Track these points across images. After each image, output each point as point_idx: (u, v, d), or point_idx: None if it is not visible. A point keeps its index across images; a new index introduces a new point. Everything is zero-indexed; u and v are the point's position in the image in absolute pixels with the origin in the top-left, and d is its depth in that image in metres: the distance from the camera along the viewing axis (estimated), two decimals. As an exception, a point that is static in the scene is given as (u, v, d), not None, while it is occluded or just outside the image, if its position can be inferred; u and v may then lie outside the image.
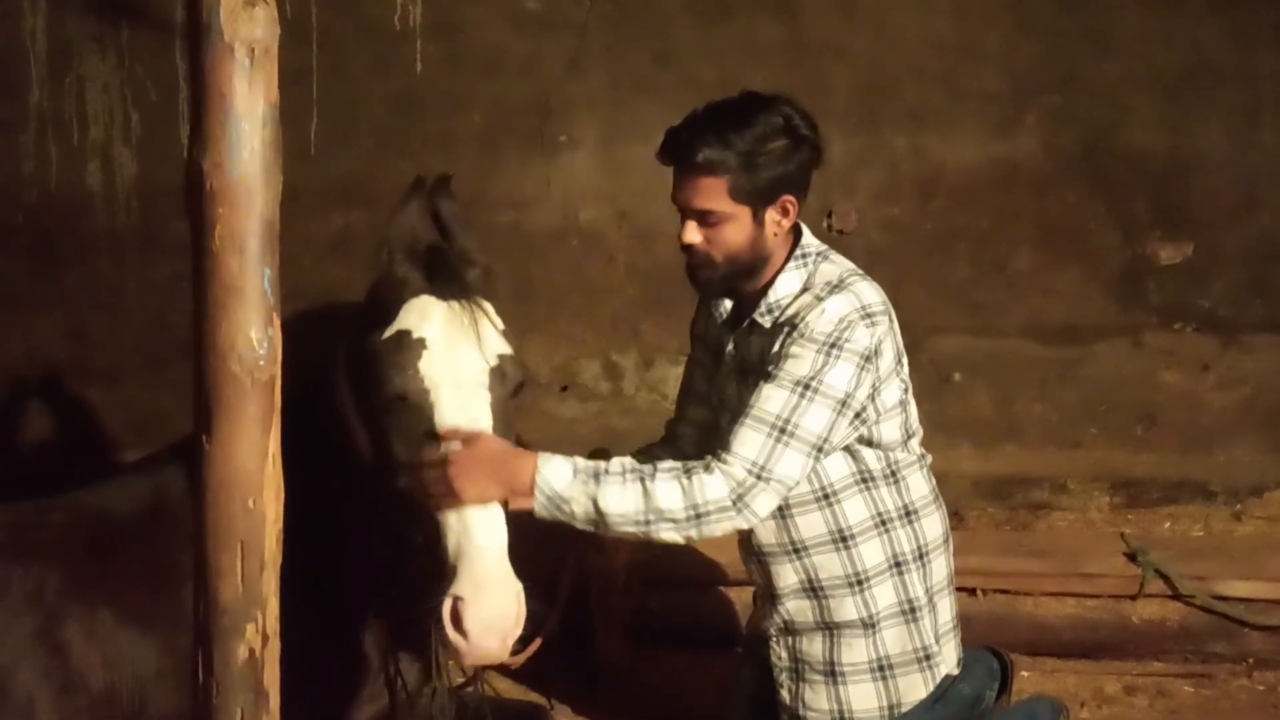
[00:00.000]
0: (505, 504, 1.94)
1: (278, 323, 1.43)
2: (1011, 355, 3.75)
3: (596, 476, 1.98)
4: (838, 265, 2.21)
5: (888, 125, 3.70)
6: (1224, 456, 3.73)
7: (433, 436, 1.89)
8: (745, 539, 2.32)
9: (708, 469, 2.01)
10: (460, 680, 2.27)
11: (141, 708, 2.02)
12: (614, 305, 3.82)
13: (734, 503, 2.00)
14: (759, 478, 2.01)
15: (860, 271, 2.21)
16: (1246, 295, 3.71)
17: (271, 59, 1.38)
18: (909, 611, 2.22)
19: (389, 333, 1.94)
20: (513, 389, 1.99)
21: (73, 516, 2.19)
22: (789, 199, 2.14)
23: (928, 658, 2.23)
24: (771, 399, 2.04)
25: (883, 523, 2.22)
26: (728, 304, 2.32)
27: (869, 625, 2.21)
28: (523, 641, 1.96)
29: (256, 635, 1.41)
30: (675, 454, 2.34)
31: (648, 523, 1.99)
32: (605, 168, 3.77)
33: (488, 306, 2.01)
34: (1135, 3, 3.61)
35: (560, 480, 1.97)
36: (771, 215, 2.14)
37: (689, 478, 2.00)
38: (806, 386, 2.04)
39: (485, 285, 2.06)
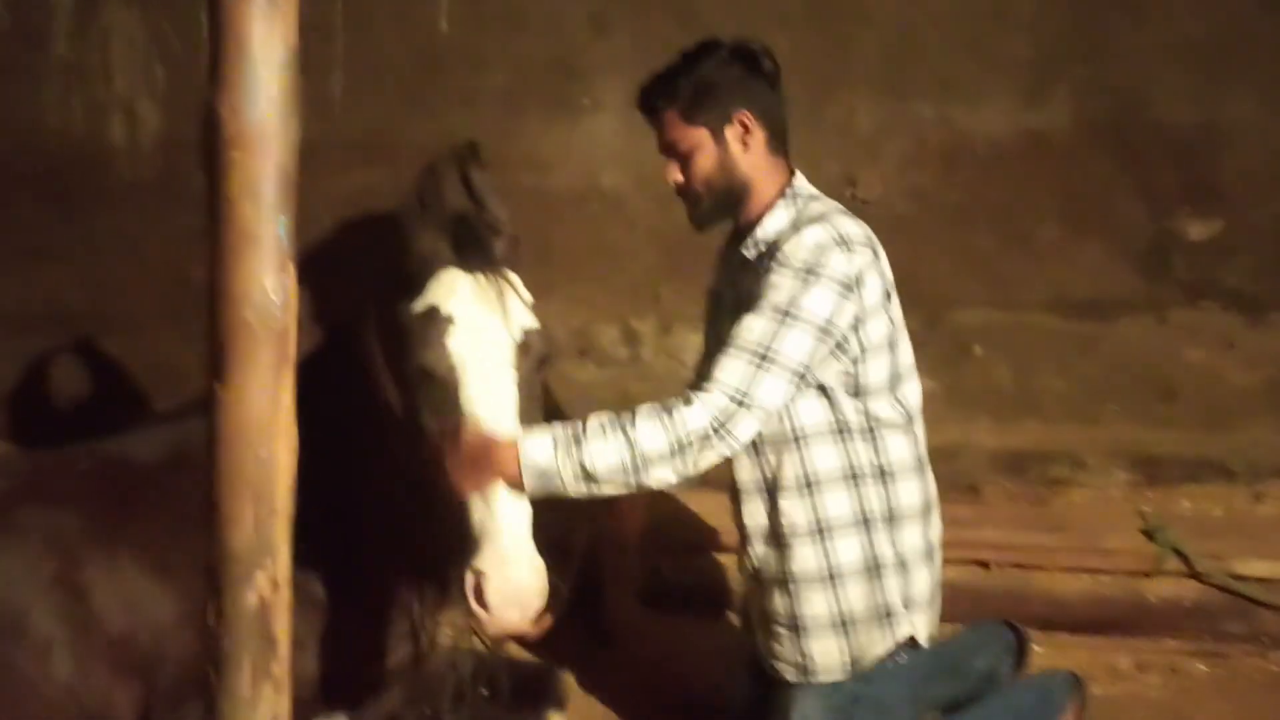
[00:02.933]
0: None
1: (293, 271, 1.42)
2: (1033, 329, 3.71)
3: (577, 439, 1.99)
4: (825, 205, 2.26)
5: (914, 93, 3.65)
6: (1245, 436, 3.68)
7: (459, 412, 1.92)
8: (732, 480, 2.34)
9: (687, 401, 2.04)
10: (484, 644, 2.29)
11: (159, 652, 2.04)
12: (633, 270, 3.80)
13: (715, 430, 2.02)
14: (740, 403, 2.04)
15: (847, 211, 2.25)
16: (1274, 273, 3.65)
17: (291, 2, 1.36)
18: (873, 569, 2.22)
19: (417, 307, 1.97)
20: (538, 363, 2.01)
21: (94, 464, 2.21)
22: (743, 115, 2.23)
23: (888, 615, 2.22)
24: (752, 328, 2.08)
25: (853, 476, 2.21)
26: (731, 248, 2.37)
27: (830, 578, 2.21)
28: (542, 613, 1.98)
29: (267, 583, 1.42)
30: None
31: (636, 470, 2.00)
32: (627, 131, 3.73)
33: (514, 279, 2.04)
34: (1167, -29, 3.55)
35: (543, 455, 1.96)
36: (731, 133, 2.23)
37: (669, 413, 2.02)
38: (785, 313, 2.07)
39: (512, 255, 2.08)
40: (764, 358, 2.05)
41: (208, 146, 1.36)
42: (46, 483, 2.21)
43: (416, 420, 1.97)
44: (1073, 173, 3.65)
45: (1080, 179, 3.65)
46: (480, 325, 1.94)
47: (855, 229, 2.18)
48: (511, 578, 1.84)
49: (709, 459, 2.05)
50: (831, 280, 2.09)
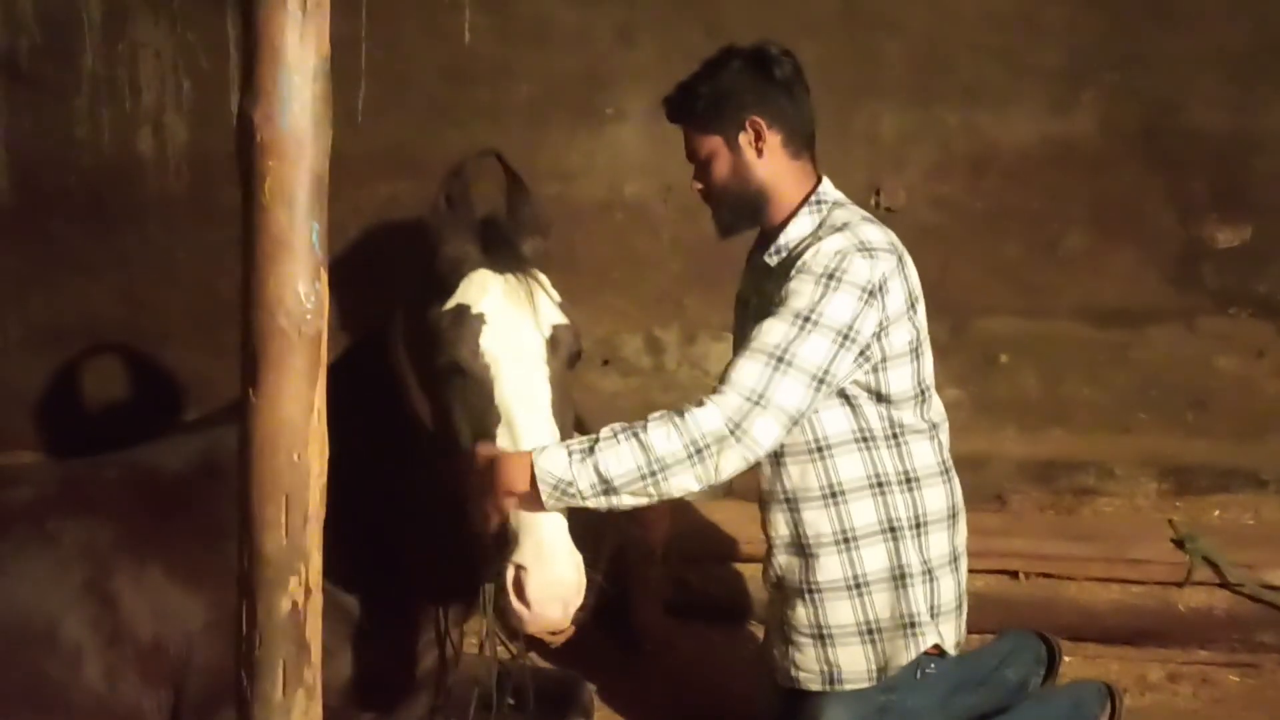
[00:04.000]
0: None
1: (325, 277, 1.43)
2: (1061, 337, 3.69)
3: (591, 449, 1.95)
4: (850, 212, 2.25)
5: (940, 101, 3.64)
6: (1277, 444, 3.65)
7: (493, 409, 1.93)
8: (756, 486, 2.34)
9: (700, 404, 2.01)
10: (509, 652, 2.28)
11: (188, 660, 2.05)
12: (658, 279, 3.80)
13: (731, 431, 1.97)
14: (756, 403, 1.99)
15: (872, 218, 2.24)
16: (1305, 281, 3.63)
17: (323, 12, 1.38)
18: (899, 578, 2.20)
19: (448, 306, 1.98)
20: (569, 359, 2.03)
21: (125, 473, 2.23)
22: (754, 119, 2.23)
23: (912, 625, 2.20)
24: (771, 331, 2.07)
25: (879, 484, 2.20)
26: (758, 254, 2.38)
27: (856, 586, 2.20)
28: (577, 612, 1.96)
29: (299, 588, 1.42)
30: None
31: (654, 475, 1.95)
32: (652, 140, 3.74)
33: (542, 278, 2.06)
34: (1201, -22, 3.53)
35: (558, 465, 1.92)
36: (744, 139, 2.24)
37: (681, 417, 1.98)
38: (805, 319, 2.06)
39: (540, 255, 2.12)
40: (780, 360, 2.03)
41: (241, 154, 1.37)
42: (77, 492, 2.23)
43: (448, 423, 1.98)
44: (1102, 180, 3.63)
45: (1109, 186, 3.63)
46: (512, 322, 1.96)
47: (879, 235, 2.17)
48: (554, 571, 1.84)
49: (730, 463, 1.98)
50: (853, 286, 2.08)
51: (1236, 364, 3.65)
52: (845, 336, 2.07)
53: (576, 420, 2.17)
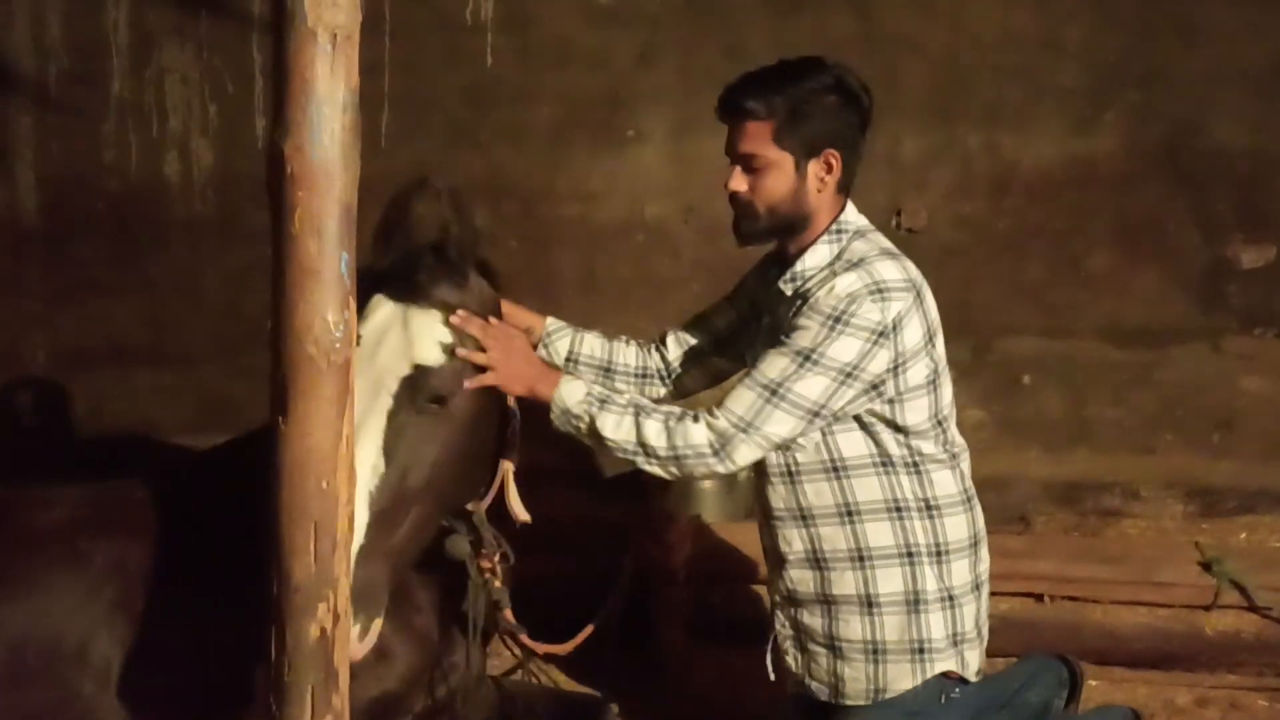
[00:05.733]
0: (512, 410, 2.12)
1: (354, 306, 1.44)
2: (1085, 357, 3.67)
3: (602, 402, 2.12)
4: (869, 244, 2.20)
5: (962, 121, 3.64)
6: (1305, 466, 3.63)
7: None
8: (759, 504, 2.33)
9: (695, 419, 2.11)
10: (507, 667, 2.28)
11: (215, 683, 2.06)
12: (679, 300, 3.80)
13: (714, 451, 2.09)
14: (743, 431, 2.08)
15: (893, 250, 2.19)
16: (1331, 301, 3.61)
17: (353, 44, 1.39)
18: (914, 603, 2.18)
19: None
20: (431, 399, 1.94)
21: (153, 494, 2.24)
22: (832, 153, 2.16)
23: (920, 651, 2.18)
24: (772, 365, 2.10)
25: (897, 509, 2.18)
26: (774, 271, 2.32)
27: (868, 604, 2.18)
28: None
29: (328, 614, 1.43)
30: (639, 357, 2.52)
31: (634, 453, 2.12)
32: (673, 162, 3.76)
33: (437, 315, 1.98)
34: (1223, -2, 3.53)
35: (573, 397, 2.11)
36: (814, 168, 2.17)
37: (677, 422, 2.10)
38: (806, 357, 2.07)
39: (455, 291, 2.02)
40: (775, 394, 2.07)
41: (272, 185, 1.39)
42: (106, 512, 2.24)
43: None
44: (1124, 200, 3.62)
45: (1132, 206, 3.62)
46: (376, 350, 1.92)
47: (894, 272, 2.13)
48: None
49: (700, 471, 2.13)
50: (859, 329, 2.07)
51: (1262, 384, 3.63)
52: (847, 375, 2.07)
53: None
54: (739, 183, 2.19)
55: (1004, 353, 3.67)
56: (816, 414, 2.09)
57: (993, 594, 3.03)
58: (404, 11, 3.74)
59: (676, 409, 2.14)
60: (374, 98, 3.69)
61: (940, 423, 2.21)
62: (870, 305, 2.07)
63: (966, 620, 2.22)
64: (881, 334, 2.08)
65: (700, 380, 2.55)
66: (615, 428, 2.10)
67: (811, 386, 2.06)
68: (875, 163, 3.61)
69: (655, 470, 2.14)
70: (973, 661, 2.24)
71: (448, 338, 1.98)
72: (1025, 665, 2.49)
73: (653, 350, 2.54)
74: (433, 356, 1.96)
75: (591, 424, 2.10)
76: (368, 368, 1.89)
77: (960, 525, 2.22)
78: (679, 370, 2.51)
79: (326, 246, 1.38)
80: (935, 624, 2.18)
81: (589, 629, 2.19)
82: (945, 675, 2.19)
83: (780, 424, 2.07)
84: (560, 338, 2.46)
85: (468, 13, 3.76)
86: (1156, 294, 3.64)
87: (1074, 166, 3.61)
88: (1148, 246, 3.63)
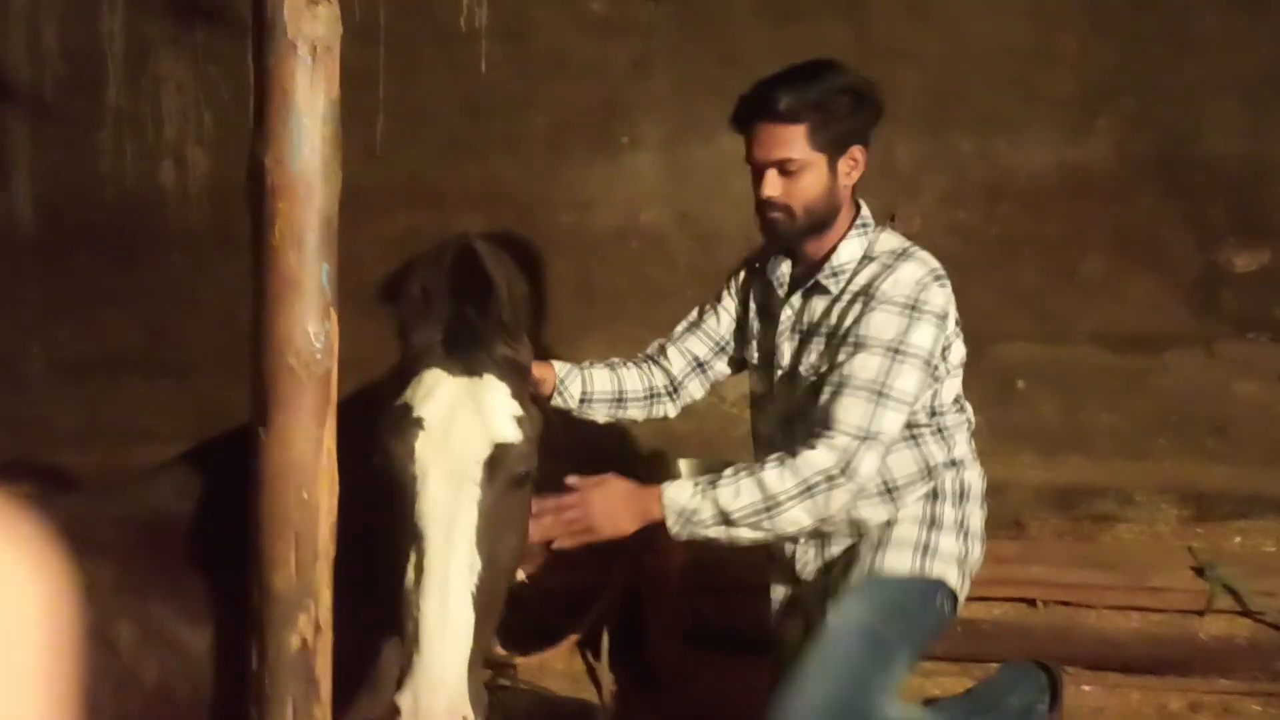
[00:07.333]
0: (633, 540, 2.06)
1: (334, 317, 1.45)
2: (1080, 363, 3.68)
3: (713, 483, 2.06)
4: (897, 236, 2.29)
5: (956, 129, 3.65)
6: (1298, 471, 3.62)
7: (410, 523, 1.71)
8: None
9: (810, 445, 2.08)
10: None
11: (196, 702, 2.04)
12: (674, 307, 3.77)
13: (841, 470, 2.06)
14: (863, 439, 2.08)
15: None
16: (1325, 306, 3.61)
17: (333, 57, 1.40)
18: (929, 524, 2.26)
19: (396, 402, 1.79)
20: (513, 481, 1.79)
21: (126, 509, 2.19)
22: (858, 149, 2.23)
23: (925, 548, 2.24)
24: (866, 366, 2.12)
25: (928, 470, 2.27)
26: (785, 268, 2.37)
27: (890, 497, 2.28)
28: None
29: (309, 625, 1.43)
30: (643, 378, 2.48)
31: (768, 510, 2.05)
32: (668, 170, 3.77)
33: (502, 387, 1.82)
34: (1215, 5, 3.53)
35: (683, 495, 2.05)
36: (844, 165, 2.23)
37: (794, 456, 2.07)
38: (896, 350, 2.11)
39: (514, 358, 1.87)
40: (880, 394, 2.10)
41: (252, 196, 1.40)
42: (77, 530, 2.19)
43: (372, 522, 1.77)
44: (1118, 206, 3.62)
45: (1126, 213, 3.63)
46: (448, 433, 1.75)
47: (935, 260, 2.23)
48: None
49: (839, 500, 2.07)
50: (932, 314, 2.14)
51: (1256, 389, 3.63)
52: (928, 363, 2.15)
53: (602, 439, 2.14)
54: (774, 188, 2.21)
55: (998, 359, 3.67)
56: (913, 403, 2.15)
57: (986, 599, 3.05)
58: (399, 21, 3.75)
59: (782, 451, 2.10)
60: (369, 107, 3.70)
61: (959, 398, 2.31)
62: (937, 290, 2.16)
63: (972, 557, 2.30)
64: (943, 317, 2.17)
65: (702, 388, 2.57)
66: (737, 496, 2.04)
67: (908, 379, 2.12)
68: (869, 170, 3.60)
69: (791, 519, 2.06)
70: (962, 596, 2.30)
71: (519, 410, 1.81)
72: (1006, 672, 2.53)
73: (653, 367, 2.54)
74: (511, 433, 1.78)
75: (714, 507, 2.04)
76: (441, 455, 1.72)
77: (976, 478, 2.34)
78: (682, 383, 2.53)
79: (307, 258, 1.39)
80: (946, 540, 2.27)
81: (573, 637, 2.19)
82: (943, 583, 2.24)
83: (893, 422, 2.11)
84: (572, 382, 2.42)
85: (463, 22, 3.77)
86: (1150, 300, 3.64)
87: (1067, 174, 3.61)
88: (1141, 253, 3.63)
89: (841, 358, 2.15)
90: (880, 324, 2.13)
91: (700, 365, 2.53)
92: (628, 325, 3.82)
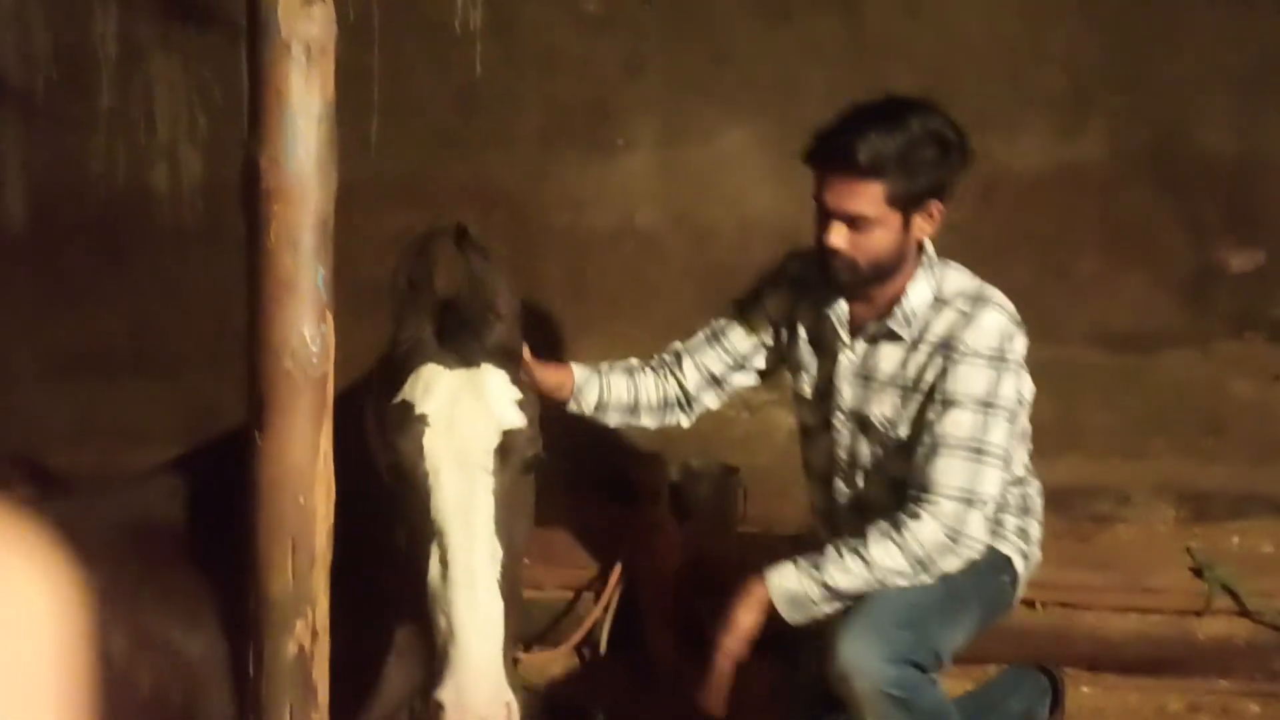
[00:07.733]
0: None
1: (330, 320, 1.43)
2: (1074, 362, 3.66)
3: (817, 565, 2.07)
4: (962, 273, 2.24)
5: (949, 127, 3.64)
6: (1295, 469, 3.62)
7: (429, 521, 1.71)
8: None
9: (914, 516, 2.06)
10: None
11: (191, 709, 2.02)
12: (669, 307, 3.80)
13: (951, 537, 2.05)
14: (968, 502, 2.06)
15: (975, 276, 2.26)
16: (1320, 304, 3.60)
17: (328, 57, 1.39)
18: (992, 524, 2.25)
19: (395, 400, 1.78)
20: (523, 466, 1.81)
21: (119, 514, 2.17)
22: (936, 205, 2.14)
23: (992, 534, 2.23)
24: (960, 424, 2.09)
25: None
26: (843, 305, 2.27)
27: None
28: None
29: (306, 631, 1.42)
30: (659, 386, 2.43)
31: (879, 582, 2.06)
32: (662, 169, 3.76)
33: (499, 374, 1.82)
34: (1206, 1, 3.53)
35: (789, 581, 2.07)
36: (918, 221, 2.14)
37: (900, 533, 2.05)
38: (987, 405, 2.09)
39: (508, 345, 1.86)
40: (979, 452, 2.08)
41: (247, 198, 1.38)
42: (65, 537, 2.16)
43: (388, 524, 1.78)
44: (1112, 204, 3.62)
45: (1120, 210, 3.62)
46: (455, 427, 1.75)
47: (1006, 299, 2.21)
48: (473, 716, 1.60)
49: (950, 565, 2.08)
50: (1016, 364, 2.14)
51: (1252, 388, 3.62)
52: (1014, 414, 2.14)
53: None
54: (839, 239, 2.11)
55: (994, 358, 3.66)
56: (1006, 460, 2.13)
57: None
58: (392, 19, 3.73)
59: (885, 523, 2.09)
60: (362, 105, 3.68)
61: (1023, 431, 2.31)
62: (1020, 339, 2.16)
63: (1033, 556, 2.36)
64: (1023, 364, 2.17)
65: (716, 401, 2.52)
66: (846, 574, 2.05)
67: (1001, 432, 2.10)
68: (863, 169, 3.62)
69: (899, 585, 2.09)
70: (1019, 589, 2.35)
71: (519, 394, 1.81)
72: (1007, 675, 2.54)
73: (668, 375, 2.48)
74: (516, 418, 1.79)
75: (824, 588, 2.05)
76: (451, 449, 1.73)
77: (1034, 493, 2.41)
78: (695, 395, 2.47)
79: (302, 260, 1.38)
80: (1010, 537, 2.32)
81: (574, 638, 2.18)
82: (1010, 562, 2.29)
83: (993, 481, 2.09)
84: (590, 388, 2.38)
85: (456, 21, 3.75)
86: (1145, 298, 3.64)
87: (1061, 171, 3.60)
88: (1135, 251, 3.63)
89: (931, 416, 2.10)
90: (968, 378, 2.09)
91: (716, 380, 2.47)
92: (623, 326, 3.80)
